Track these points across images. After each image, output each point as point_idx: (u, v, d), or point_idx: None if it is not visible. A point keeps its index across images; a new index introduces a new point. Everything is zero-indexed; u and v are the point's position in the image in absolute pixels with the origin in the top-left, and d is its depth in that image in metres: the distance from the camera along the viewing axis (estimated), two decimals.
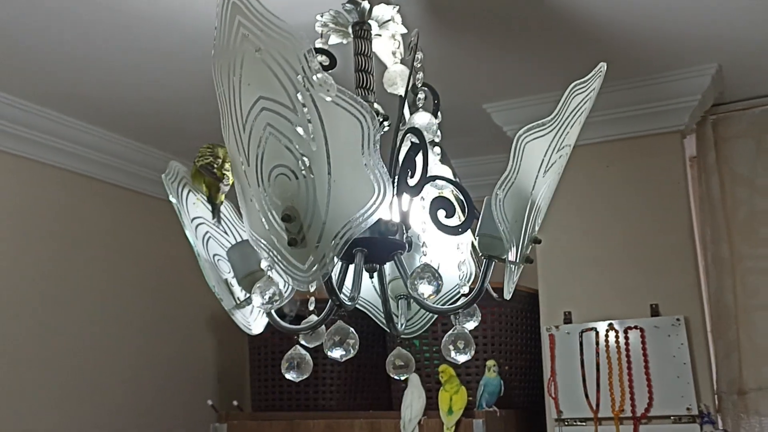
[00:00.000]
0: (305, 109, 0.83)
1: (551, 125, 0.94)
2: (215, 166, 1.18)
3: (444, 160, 1.39)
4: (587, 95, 1.00)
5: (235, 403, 2.48)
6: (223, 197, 1.19)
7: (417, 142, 0.96)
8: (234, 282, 1.12)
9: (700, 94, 2.21)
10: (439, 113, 1.18)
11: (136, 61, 2.01)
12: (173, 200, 1.12)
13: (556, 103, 2.39)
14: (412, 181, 0.98)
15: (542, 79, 2.25)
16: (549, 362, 2.26)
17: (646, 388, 2.14)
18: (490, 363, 2.18)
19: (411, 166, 0.99)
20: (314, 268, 0.86)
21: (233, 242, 1.18)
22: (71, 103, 2.29)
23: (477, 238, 1.00)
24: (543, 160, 0.95)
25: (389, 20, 1.14)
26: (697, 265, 2.27)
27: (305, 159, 0.84)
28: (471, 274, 1.21)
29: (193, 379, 2.78)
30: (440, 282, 0.93)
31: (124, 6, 1.70)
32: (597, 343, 2.24)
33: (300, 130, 0.84)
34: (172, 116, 2.40)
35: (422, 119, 1.06)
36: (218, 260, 1.15)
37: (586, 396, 2.19)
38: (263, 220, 0.89)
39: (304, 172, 0.85)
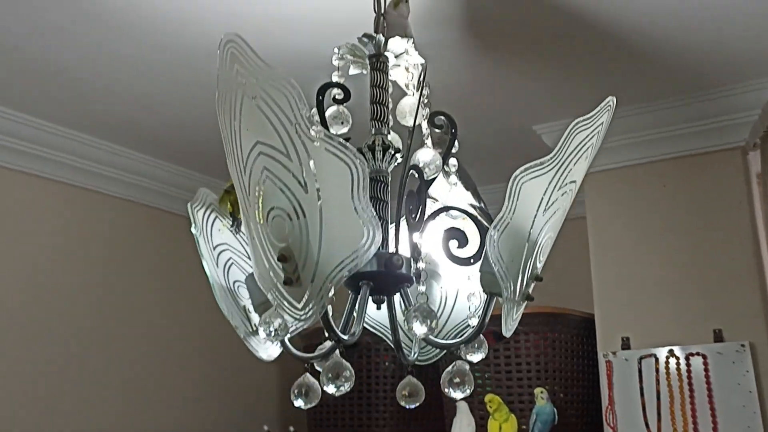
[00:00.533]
0: (298, 155, 0.86)
1: (550, 164, 0.94)
2: None
3: (467, 184, 1.40)
4: (593, 131, 0.99)
5: (265, 428, 2.42)
6: None
7: (418, 179, 0.97)
8: (250, 308, 1.17)
9: (760, 109, 2.12)
10: (456, 142, 1.18)
11: (183, 93, 2.09)
12: (194, 231, 1.17)
13: (608, 123, 2.35)
14: (415, 219, 0.99)
15: (593, 98, 2.19)
16: (606, 390, 2.20)
17: (710, 417, 2.05)
18: (537, 391, 2.14)
19: (413, 204, 1.01)
20: (309, 307, 0.89)
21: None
22: (118, 131, 2.39)
23: (479, 273, 1.01)
24: (542, 198, 0.95)
25: (403, 53, 1.16)
26: (764, 288, 2.18)
27: (298, 202, 0.87)
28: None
29: (251, 402, 2.83)
30: (433, 321, 0.94)
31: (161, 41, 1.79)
32: (657, 371, 2.16)
33: (293, 174, 0.87)
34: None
35: (425, 156, 1.07)
36: (239, 287, 1.20)
37: (647, 425, 2.12)
38: (263, 258, 0.93)
39: (297, 214, 0.88)
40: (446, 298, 1.29)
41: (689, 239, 2.22)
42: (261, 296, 1.12)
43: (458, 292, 1.27)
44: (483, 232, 1.05)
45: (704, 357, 2.12)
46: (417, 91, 1.12)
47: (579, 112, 2.31)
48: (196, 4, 1.71)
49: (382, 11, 1.23)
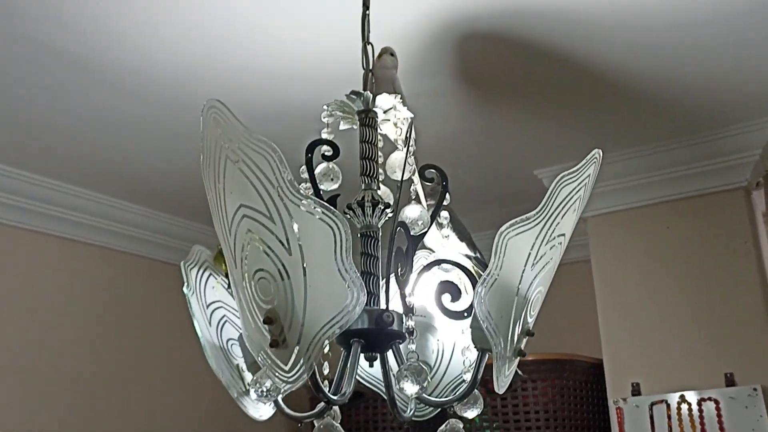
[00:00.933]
0: (281, 218, 0.86)
1: (536, 219, 0.93)
2: None
3: (461, 234, 1.39)
4: (580, 183, 0.99)
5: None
6: None
7: (407, 234, 0.97)
8: (243, 367, 1.16)
9: (761, 148, 2.12)
10: (448, 195, 1.17)
11: (181, 145, 2.12)
12: (186, 291, 1.17)
13: (610, 165, 2.35)
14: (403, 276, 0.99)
15: (595, 141, 2.22)
16: None
17: None
18: None
19: (401, 261, 1.01)
20: (297, 369, 0.88)
21: None
22: (111, 184, 2.42)
23: (470, 329, 1.00)
24: (530, 253, 0.94)
25: (391, 108, 1.17)
26: None
27: (283, 264, 0.87)
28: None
29: None
30: (425, 381, 0.93)
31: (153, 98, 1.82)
32: (669, 417, 2.12)
33: (277, 237, 0.87)
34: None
35: (413, 212, 1.07)
36: (232, 345, 1.19)
37: None
38: (250, 319, 0.92)
39: (282, 276, 0.87)
40: (443, 351, 1.27)
41: (696, 281, 2.19)
42: (253, 356, 1.12)
43: (454, 345, 1.26)
44: (476, 284, 1.04)
45: (716, 402, 2.08)
46: (404, 146, 1.13)
47: (579, 156, 2.31)
48: (193, 61, 1.74)
49: (370, 67, 1.24)
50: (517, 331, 0.96)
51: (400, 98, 1.18)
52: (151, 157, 2.22)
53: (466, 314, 1.05)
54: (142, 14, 1.56)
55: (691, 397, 2.10)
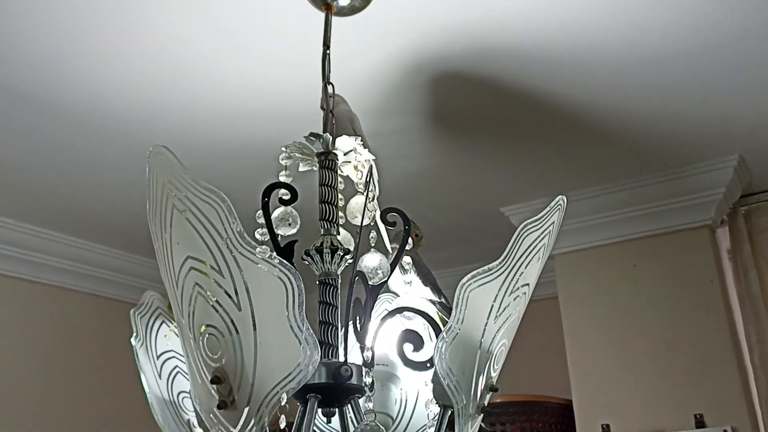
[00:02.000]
0: (230, 271, 0.82)
1: (499, 269, 0.90)
2: None
3: (425, 279, 1.35)
4: (544, 231, 0.96)
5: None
6: None
7: (366, 283, 0.93)
8: (194, 422, 1.10)
9: (724, 187, 2.12)
10: (409, 240, 1.14)
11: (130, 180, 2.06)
12: (134, 342, 1.11)
13: (577, 203, 2.33)
14: (359, 327, 0.94)
15: (560, 179, 2.21)
16: None
17: None
18: None
19: (359, 312, 0.96)
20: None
21: None
22: (63, 221, 2.35)
23: (432, 384, 0.95)
24: (492, 306, 0.90)
25: (351, 150, 1.13)
26: (743, 368, 2.13)
27: (232, 320, 0.82)
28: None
29: None
30: None
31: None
32: None
33: (225, 291, 0.82)
34: None
35: (371, 261, 1.03)
36: (183, 398, 1.13)
37: None
38: (198, 377, 0.87)
39: (231, 332, 0.82)
40: (406, 401, 1.22)
41: (664, 320, 2.17)
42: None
43: (418, 395, 1.21)
44: (439, 333, 1.00)
45: None
46: (365, 189, 1.09)
47: (546, 194, 2.33)
48: (147, 98, 1.69)
49: (330, 107, 1.21)
50: (480, 386, 0.92)
51: (361, 140, 1.14)
52: (105, 193, 2.16)
53: (428, 365, 1.01)
54: (95, 52, 1.51)
55: None
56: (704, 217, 2.18)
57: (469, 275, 0.88)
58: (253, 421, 0.83)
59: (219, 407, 0.83)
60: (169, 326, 1.20)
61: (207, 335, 0.85)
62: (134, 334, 1.13)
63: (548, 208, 0.95)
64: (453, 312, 0.87)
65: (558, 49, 1.58)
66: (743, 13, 1.49)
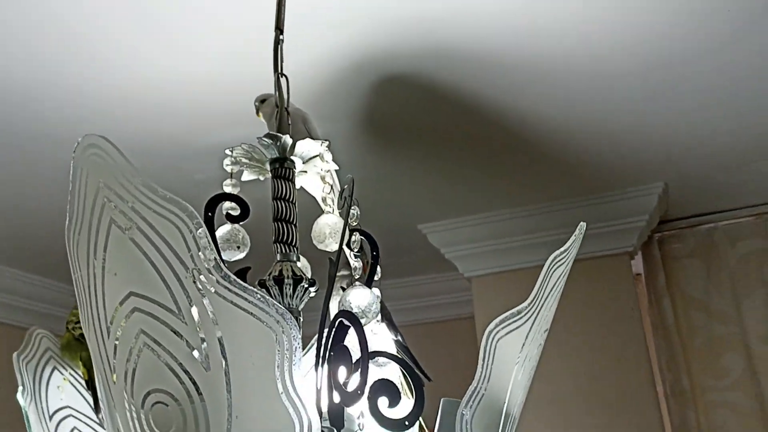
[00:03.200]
0: (197, 315, 0.58)
1: (528, 312, 0.72)
2: None
3: (382, 314, 1.15)
4: (568, 265, 0.79)
5: None
6: None
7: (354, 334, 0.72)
8: None
9: (648, 214, 2.08)
10: (378, 268, 0.94)
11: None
12: (20, 398, 0.83)
13: (493, 225, 2.22)
14: (349, 387, 0.72)
15: (483, 198, 2.09)
16: None
17: None
18: None
19: (347, 366, 0.75)
20: None
21: None
22: None
23: None
24: (519, 357, 0.72)
25: (316, 156, 0.92)
26: (657, 399, 2.08)
27: (194, 383, 0.59)
28: None
29: None
30: None
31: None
32: None
33: (188, 343, 0.59)
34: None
35: (360, 298, 0.81)
36: None
37: None
38: None
39: (192, 400, 0.59)
40: None
41: (581, 350, 2.10)
42: None
43: None
44: (416, 383, 0.80)
45: None
46: (339, 209, 0.88)
47: (467, 212, 2.20)
48: (56, 91, 1.39)
49: (285, 105, 0.99)
50: None
51: (327, 145, 0.93)
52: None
53: (407, 423, 0.81)
54: None
55: None
56: (626, 244, 2.13)
57: (497, 320, 0.69)
58: None
59: None
60: (62, 374, 0.93)
61: (153, 405, 0.60)
62: (20, 388, 0.85)
63: (573, 238, 0.79)
64: (478, 370, 0.68)
65: (515, 56, 1.44)
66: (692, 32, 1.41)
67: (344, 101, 1.55)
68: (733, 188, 2.11)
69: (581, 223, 0.81)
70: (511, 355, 0.71)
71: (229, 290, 0.58)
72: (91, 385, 0.91)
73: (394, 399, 0.80)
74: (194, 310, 0.58)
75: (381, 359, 0.88)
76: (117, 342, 0.61)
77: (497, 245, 2.23)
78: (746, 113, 1.71)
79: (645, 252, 2.32)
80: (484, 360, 0.68)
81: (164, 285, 0.59)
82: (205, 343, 0.58)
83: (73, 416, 0.90)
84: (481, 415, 0.67)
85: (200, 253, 0.58)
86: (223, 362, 0.58)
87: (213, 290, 0.58)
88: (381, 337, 0.96)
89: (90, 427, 0.91)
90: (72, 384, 0.93)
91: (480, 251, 2.25)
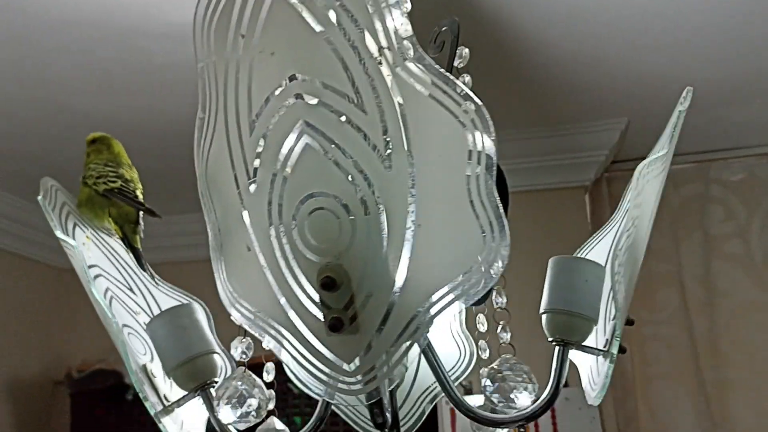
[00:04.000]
0: (380, 104, 0.49)
1: (666, 156, 0.66)
2: (128, 191, 0.78)
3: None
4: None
5: None
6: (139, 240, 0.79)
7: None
8: (156, 370, 0.72)
9: (608, 149, 2.10)
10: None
11: None
12: (65, 237, 0.70)
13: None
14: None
15: None
16: None
17: None
18: None
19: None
20: (372, 372, 0.51)
21: (149, 307, 0.78)
22: None
23: (545, 315, 0.70)
24: (653, 209, 0.67)
25: None
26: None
27: (370, 186, 0.49)
28: (469, 355, 0.90)
29: None
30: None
31: None
32: None
33: (365, 137, 0.49)
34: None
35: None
36: (129, 334, 0.74)
37: None
38: (276, 284, 0.52)
39: (366, 210, 0.50)
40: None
41: (534, 282, 2.11)
42: (182, 352, 0.69)
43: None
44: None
45: None
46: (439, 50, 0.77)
47: None
48: None
49: None
50: (621, 314, 0.67)
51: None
52: None
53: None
54: None
55: None
56: (583, 178, 2.14)
57: (647, 161, 0.63)
58: (384, 359, 0.51)
59: (332, 329, 0.50)
60: (84, 231, 0.80)
61: (313, 211, 0.51)
62: (55, 228, 0.72)
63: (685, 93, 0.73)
64: (626, 205, 0.63)
65: None
66: None
67: None
68: (684, 134, 2.16)
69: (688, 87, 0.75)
70: (650, 201, 0.66)
71: (420, 78, 0.49)
72: (127, 242, 0.78)
73: None
74: (378, 98, 0.49)
75: None
76: (264, 139, 0.51)
77: None
78: (720, 60, 1.73)
79: (593, 190, 2.36)
80: (635, 190, 0.61)
81: (342, 66, 0.49)
82: (387, 136, 0.49)
83: (104, 276, 0.77)
84: (628, 255, 0.62)
85: (394, 25, 0.48)
86: (409, 161, 0.49)
87: (404, 74, 0.49)
88: None
89: (123, 291, 0.78)
90: (95, 244, 0.80)
91: None
